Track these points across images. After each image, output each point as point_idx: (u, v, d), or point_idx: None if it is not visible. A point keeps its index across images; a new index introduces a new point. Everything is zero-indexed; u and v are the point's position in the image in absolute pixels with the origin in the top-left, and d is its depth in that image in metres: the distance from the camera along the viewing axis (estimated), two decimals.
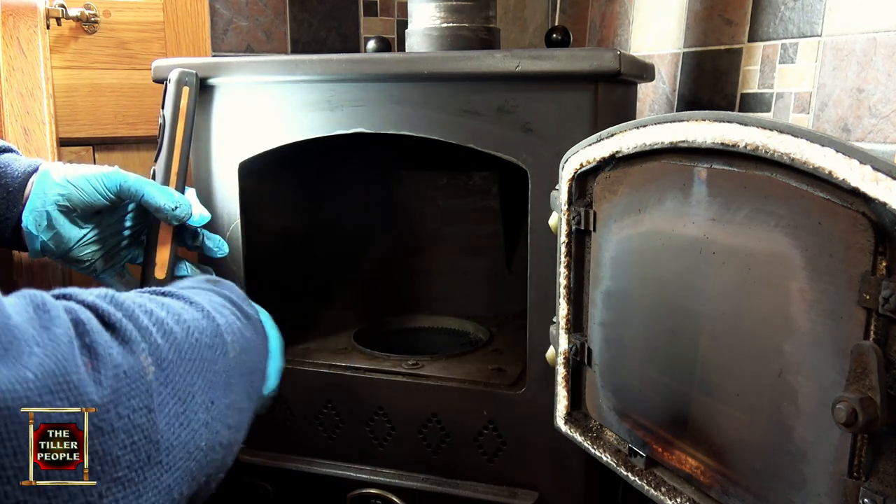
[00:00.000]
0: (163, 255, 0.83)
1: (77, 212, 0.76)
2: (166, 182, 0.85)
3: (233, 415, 0.52)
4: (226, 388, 0.51)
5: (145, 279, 0.83)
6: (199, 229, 0.87)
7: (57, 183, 0.75)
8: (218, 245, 0.88)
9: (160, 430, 0.43)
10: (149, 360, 0.44)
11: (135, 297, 0.49)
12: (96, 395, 0.40)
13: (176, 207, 0.79)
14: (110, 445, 0.40)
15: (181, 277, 0.84)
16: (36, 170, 0.77)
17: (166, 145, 0.86)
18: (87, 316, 0.43)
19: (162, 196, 0.78)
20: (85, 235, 0.78)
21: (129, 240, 0.85)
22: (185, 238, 0.87)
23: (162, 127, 0.87)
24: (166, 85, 0.90)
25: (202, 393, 0.48)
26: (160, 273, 0.83)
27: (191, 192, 0.88)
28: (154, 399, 0.43)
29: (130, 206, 0.84)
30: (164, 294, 0.54)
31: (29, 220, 0.75)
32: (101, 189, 0.76)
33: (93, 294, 0.46)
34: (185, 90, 0.89)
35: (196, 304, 0.54)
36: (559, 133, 0.83)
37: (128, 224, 0.85)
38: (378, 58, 0.91)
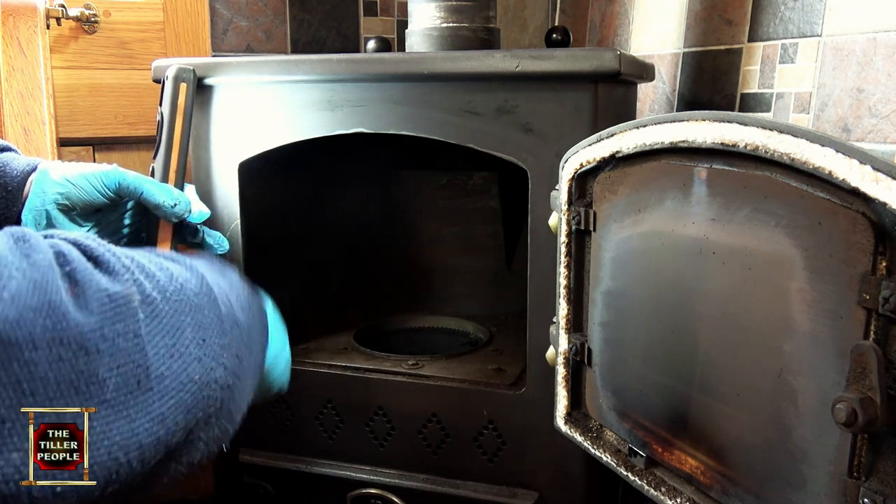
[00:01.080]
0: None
1: (76, 210, 0.76)
2: (165, 179, 0.85)
3: (229, 357, 0.52)
4: (219, 332, 0.52)
5: None
6: (198, 226, 0.87)
7: (56, 182, 0.75)
8: (218, 242, 0.88)
9: (149, 358, 0.44)
10: (133, 289, 0.45)
11: (120, 248, 0.50)
12: (79, 316, 0.40)
13: (175, 204, 0.79)
14: (96, 366, 0.40)
15: None
16: (35, 169, 0.76)
17: (164, 142, 0.86)
18: (68, 248, 0.43)
19: (161, 193, 0.78)
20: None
21: (129, 238, 0.85)
22: (186, 235, 0.86)
23: (160, 124, 0.87)
24: (163, 82, 0.89)
25: (192, 331, 0.48)
26: None
27: (190, 189, 0.88)
28: (142, 327, 0.44)
29: (130, 204, 0.84)
30: (148, 253, 0.56)
31: (28, 219, 0.75)
32: (100, 187, 0.76)
33: (76, 233, 0.47)
34: (183, 87, 0.89)
35: (180, 262, 0.55)
36: (559, 133, 0.83)
37: (127, 222, 0.84)
38: (378, 58, 0.90)
